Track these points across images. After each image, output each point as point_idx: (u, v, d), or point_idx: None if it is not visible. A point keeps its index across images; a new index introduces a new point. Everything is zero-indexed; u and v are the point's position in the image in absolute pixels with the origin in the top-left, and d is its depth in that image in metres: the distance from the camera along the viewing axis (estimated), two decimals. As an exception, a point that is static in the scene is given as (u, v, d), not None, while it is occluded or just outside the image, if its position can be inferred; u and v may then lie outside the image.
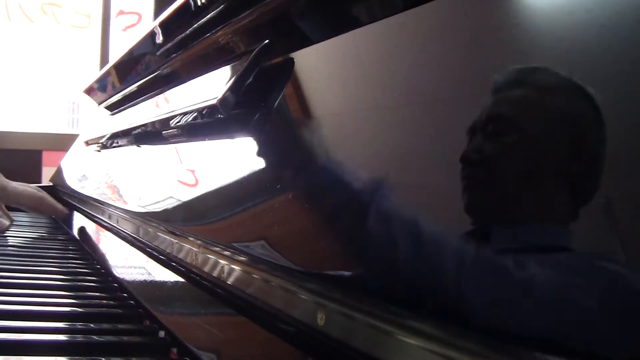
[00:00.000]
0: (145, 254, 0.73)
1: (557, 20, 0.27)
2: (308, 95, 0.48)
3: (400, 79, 0.37)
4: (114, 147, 1.09)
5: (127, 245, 0.82)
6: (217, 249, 0.51)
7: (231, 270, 0.48)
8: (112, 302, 0.69)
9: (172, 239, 0.63)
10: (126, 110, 1.09)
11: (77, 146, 1.56)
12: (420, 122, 0.34)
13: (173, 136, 0.70)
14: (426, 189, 0.32)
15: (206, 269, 0.53)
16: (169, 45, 0.82)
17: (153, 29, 0.85)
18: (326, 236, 0.39)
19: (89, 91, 1.44)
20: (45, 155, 2.66)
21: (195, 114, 0.59)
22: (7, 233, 1.16)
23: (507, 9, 0.31)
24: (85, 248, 1.04)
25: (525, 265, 0.24)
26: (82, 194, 1.24)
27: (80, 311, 0.64)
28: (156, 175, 0.79)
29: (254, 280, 0.44)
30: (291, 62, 0.49)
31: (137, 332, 0.58)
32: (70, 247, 1.07)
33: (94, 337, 0.53)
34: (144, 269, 0.72)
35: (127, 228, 0.84)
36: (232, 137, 0.57)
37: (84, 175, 1.36)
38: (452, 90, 0.33)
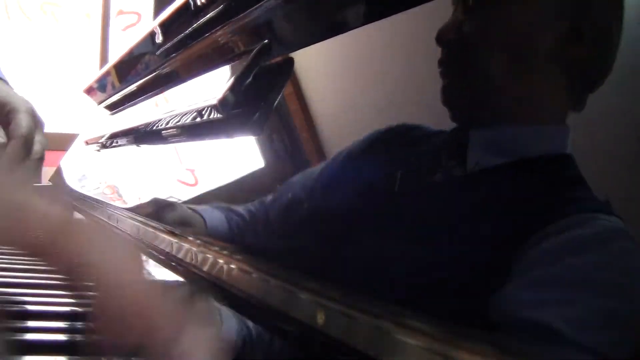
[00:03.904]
0: (144, 253, 0.73)
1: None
2: (307, 95, 0.48)
3: (400, 78, 0.37)
4: (114, 146, 1.09)
5: (127, 245, 0.82)
6: (216, 248, 0.51)
7: (230, 270, 0.48)
8: (111, 302, 0.68)
9: (172, 239, 0.63)
10: (126, 110, 1.09)
11: (77, 146, 1.56)
12: (420, 121, 0.34)
13: (173, 136, 0.70)
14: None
15: (205, 268, 0.53)
16: (168, 45, 0.81)
17: (153, 28, 0.85)
18: (326, 236, 0.39)
19: (89, 91, 1.44)
20: (46, 155, 2.66)
21: (195, 113, 0.59)
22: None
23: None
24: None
25: None
26: (81, 193, 1.24)
27: (80, 311, 0.64)
28: (156, 175, 0.79)
29: (253, 280, 0.44)
30: (291, 61, 0.49)
31: (137, 332, 0.58)
32: (70, 247, 1.07)
33: (94, 336, 0.53)
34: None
35: (127, 228, 0.84)
36: (231, 137, 0.57)
37: (83, 175, 1.36)
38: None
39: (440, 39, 0.24)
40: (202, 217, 0.50)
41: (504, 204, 0.20)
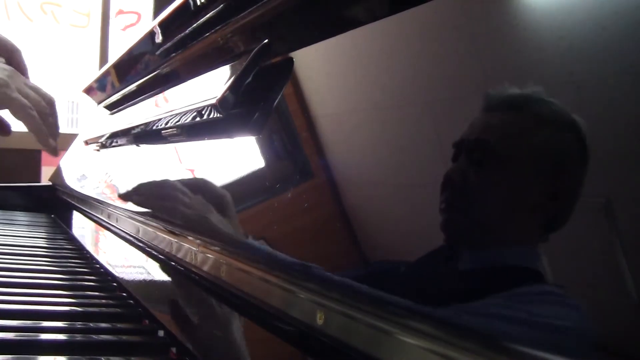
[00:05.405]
0: (144, 253, 0.73)
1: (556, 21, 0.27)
2: (307, 95, 0.48)
3: (399, 79, 0.37)
4: (114, 146, 1.09)
5: (127, 244, 0.82)
6: (216, 248, 0.51)
7: (230, 270, 0.48)
8: (111, 302, 0.69)
9: (171, 238, 0.63)
10: (125, 109, 1.09)
11: (77, 145, 1.56)
12: (419, 122, 0.34)
13: (172, 136, 0.70)
14: (423, 190, 0.32)
15: (205, 268, 0.53)
16: (168, 44, 0.81)
17: (152, 28, 0.85)
18: (325, 236, 0.39)
19: (88, 90, 1.44)
20: (45, 155, 2.66)
21: (195, 113, 0.59)
22: (6, 232, 1.16)
23: (507, 9, 0.31)
24: (85, 247, 1.04)
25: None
26: (81, 193, 1.24)
27: (80, 310, 0.64)
28: (156, 174, 0.79)
29: (253, 280, 0.44)
30: (290, 62, 0.49)
31: (137, 331, 0.58)
32: (70, 247, 1.07)
33: (93, 336, 0.53)
34: (143, 268, 0.72)
35: (127, 227, 0.84)
36: (231, 137, 0.57)
37: (83, 174, 1.36)
38: (450, 90, 0.33)
39: (447, 180, 0.29)
40: None
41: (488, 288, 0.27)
